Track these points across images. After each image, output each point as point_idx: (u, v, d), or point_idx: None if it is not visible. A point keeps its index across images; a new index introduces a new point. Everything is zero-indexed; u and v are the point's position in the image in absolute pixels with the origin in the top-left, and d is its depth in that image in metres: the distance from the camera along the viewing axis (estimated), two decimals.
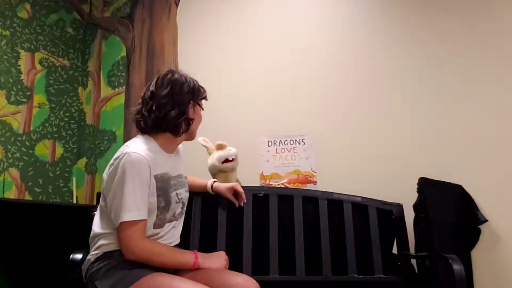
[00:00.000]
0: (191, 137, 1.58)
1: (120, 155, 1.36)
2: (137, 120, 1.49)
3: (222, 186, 1.82)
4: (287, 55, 2.84)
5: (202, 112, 1.59)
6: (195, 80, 1.55)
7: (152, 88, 1.49)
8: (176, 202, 1.48)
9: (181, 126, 1.47)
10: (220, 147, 1.99)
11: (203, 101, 1.59)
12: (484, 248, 2.17)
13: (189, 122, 1.50)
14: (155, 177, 1.39)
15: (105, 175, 1.41)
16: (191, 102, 1.50)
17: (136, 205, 1.31)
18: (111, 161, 1.39)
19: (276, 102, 2.82)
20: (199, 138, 2.02)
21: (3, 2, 3.28)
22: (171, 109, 1.44)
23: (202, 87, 1.58)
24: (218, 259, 1.46)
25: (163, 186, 1.42)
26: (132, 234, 1.31)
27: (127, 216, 1.30)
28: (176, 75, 1.50)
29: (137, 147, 1.39)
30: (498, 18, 2.31)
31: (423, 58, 2.47)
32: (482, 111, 2.29)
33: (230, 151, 1.98)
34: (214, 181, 1.84)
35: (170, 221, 1.48)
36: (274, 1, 2.95)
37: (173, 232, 1.51)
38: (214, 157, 1.97)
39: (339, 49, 2.71)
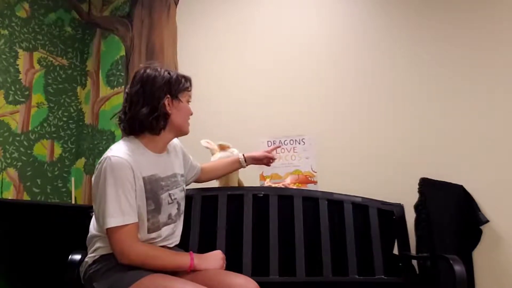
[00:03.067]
0: (181, 132, 1.50)
1: (102, 160, 1.34)
2: (117, 124, 1.48)
3: (253, 154, 1.87)
4: (287, 55, 2.84)
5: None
6: (173, 71, 1.46)
7: (127, 89, 1.46)
8: (169, 203, 1.45)
9: (156, 123, 1.40)
10: (222, 147, 1.98)
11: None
12: (485, 249, 2.16)
13: (165, 117, 1.42)
14: (143, 179, 1.36)
15: (92, 180, 1.38)
16: (167, 96, 1.42)
17: (120, 210, 1.28)
18: (96, 166, 1.36)
19: (276, 102, 2.81)
20: (202, 141, 2.00)
21: (1, 1, 3.27)
22: (142, 106, 1.38)
23: (184, 77, 1.48)
24: (214, 260, 1.42)
25: (152, 188, 1.39)
26: (122, 239, 1.28)
27: (112, 222, 1.27)
28: (148, 71, 1.43)
29: (119, 150, 1.35)
30: (498, 18, 2.30)
31: (423, 58, 2.46)
32: (482, 111, 2.28)
33: (232, 153, 1.97)
34: (243, 154, 1.85)
35: (167, 224, 1.45)
36: (274, 1, 2.95)
37: (173, 235, 1.49)
38: (217, 158, 1.96)
39: (339, 49, 2.70)
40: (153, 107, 1.40)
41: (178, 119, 1.46)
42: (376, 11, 2.63)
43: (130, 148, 1.38)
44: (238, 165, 1.86)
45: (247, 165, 1.87)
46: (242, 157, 1.85)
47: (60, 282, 1.48)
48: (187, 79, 1.50)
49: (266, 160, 1.92)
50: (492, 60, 2.29)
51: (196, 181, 1.80)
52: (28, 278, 2.34)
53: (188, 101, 1.52)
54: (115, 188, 1.29)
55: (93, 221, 1.42)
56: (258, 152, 1.91)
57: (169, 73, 1.45)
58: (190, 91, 1.52)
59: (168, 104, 1.43)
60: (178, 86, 1.45)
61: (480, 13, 2.35)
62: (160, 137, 1.45)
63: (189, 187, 1.73)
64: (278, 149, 2.13)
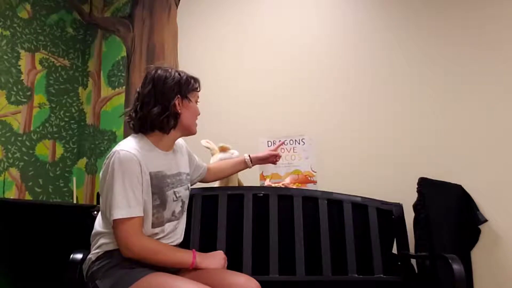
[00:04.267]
0: (189, 131, 1.54)
1: (110, 154, 1.37)
2: (127, 122, 1.51)
3: (258, 156, 1.89)
4: (287, 55, 2.85)
5: (200, 105, 1.55)
6: (183, 73, 1.50)
7: (138, 88, 1.50)
8: (174, 200, 1.47)
9: (166, 122, 1.44)
10: (223, 149, 1.99)
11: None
12: (484, 248, 2.17)
13: (175, 117, 1.46)
14: (150, 174, 1.39)
15: (100, 175, 1.42)
16: (178, 96, 1.46)
17: (127, 202, 1.31)
18: (105, 160, 1.40)
19: (276, 102, 2.82)
20: (202, 141, 2.02)
21: (3, 2, 3.29)
22: (153, 106, 1.42)
23: (193, 78, 1.52)
24: (216, 259, 1.45)
25: (158, 184, 1.41)
26: (127, 231, 1.31)
27: (118, 214, 1.30)
28: (159, 71, 1.47)
29: (127, 145, 1.39)
30: (498, 17, 2.31)
31: (423, 58, 2.47)
32: (482, 111, 2.29)
33: (232, 154, 1.98)
34: (249, 155, 1.87)
35: (170, 220, 1.47)
36: (274, 1, 2.96)
37: (175, 232, 1.50)
38: (217, 159, 1.97)
39: (339, 49, 2.71)
40: (164, 106, 1.43)
41: (188, 119, 1.50)
42: (377, 12, 2.64)
43: (139, 144, 1.41)
44: (244, 165, 1.87)
45: (253, 165, 1.89)
46: (248, 157, 1.87)
47: (63, 281, 1.50)
48: (196, 80, 1.54)
49: (272, 158, 1.94)
50: (492, 60, 2.30)
51: (202, 181, 1.82)
52: (30, 277, 2.36)
53: (196, 101, 1.56)
54: (122, 181, 1.31)
55: (98, 218, 1.44)
56: (263, 152, 1.94)
57: (179, 74, 1.49)
58: (198, 91, 1.56)
59: (178, 104, 1.46)
60: (188, 86, 1.49)
61: (480, 12, 2.36)
62: (168, 136, 1.48)
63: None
64: (278, 149, 2.14)
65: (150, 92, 1.44)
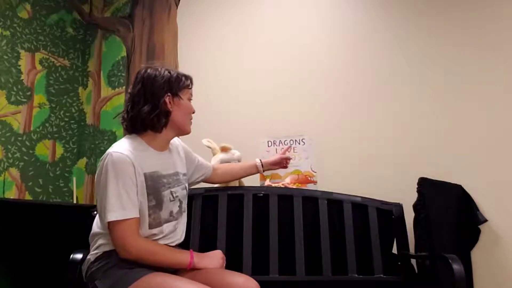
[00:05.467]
0: (182, 130, 1.52)
1: (103, 157, 1.37)
2: (121, 123, 1.51)
3: (270, 161, 1.90)
4: (287, 55, 2.85)
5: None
6: (173, 70, 1.50)
7: (129, 89, 1.50)
8: (171, 201, 1.46)
9: (157, 121, 1.43)
10: (224, 149, 1.98)
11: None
12: (484, 248, 2.17)
13: (166, 115, 1.44)
14: (145, 175, 1.39)
15: (95, 178, 1.41)
16: (168, 94, 1.45)
17: (121, 204, 1.31)
18: (99, 163, 1.40)
19: (275, 102, 2.82)
20: (203, 140, 2.01)
21: (3, 2, 3.29)
22: (143, 105, 1.42)
23: (185, 76, 1.51)
24: (214, 259, 1.44)
25: (153, 184, 1.41)
26: (124, 232, 1.30)
27: (112, 216, 1.29)
28: (149, 70, 1.47)
29: (121, 146, 1.38)
30: (498, 17, 2.31)
31: (423, 58, 2.47)
32: (482, 111, 2.29)
33: (234, 155, 1.98)
34: (260, 160, 1.88)
35: (169, 221, 1.46)
36: (274, 1, 2.96)
37: (175, 232, 1.50)
38: (218, 159, 1.96)
39: (339, 49, 2.71)
40: (154, 105, 1.43)
41: (179, 117, 1.49)
42: (377, 12, 2.64)
43: (132, 145, 1.41)
44: (255, 170, 1.88)
45: (264, 171, 1.90)
46: (260, 162, 1.87)
47: (63, 281, 1.50)
48: (188, 77, 1.53)
49: (285, 162, 1.95)
50: (492, 60, 2.30)
51: (208, 181, 1.82)
52: (30, 277, 2.36)
53: (189, 99, 1.54)
54: (116, 183, 1.31)
55: (96, 219, 1.44)
56: (274, 157, 1.94)
57: (169, 72, 1.48)
58: (190, 88, 1.54)
59: (169, 102, 1.45)
60: (179, 84, 1.48)
61: (480, 12, 2.36)
62: (161, 135, 1.47)
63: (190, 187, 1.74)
64: (278, 149, 2.14)
65: (139, 92, 1.44)
